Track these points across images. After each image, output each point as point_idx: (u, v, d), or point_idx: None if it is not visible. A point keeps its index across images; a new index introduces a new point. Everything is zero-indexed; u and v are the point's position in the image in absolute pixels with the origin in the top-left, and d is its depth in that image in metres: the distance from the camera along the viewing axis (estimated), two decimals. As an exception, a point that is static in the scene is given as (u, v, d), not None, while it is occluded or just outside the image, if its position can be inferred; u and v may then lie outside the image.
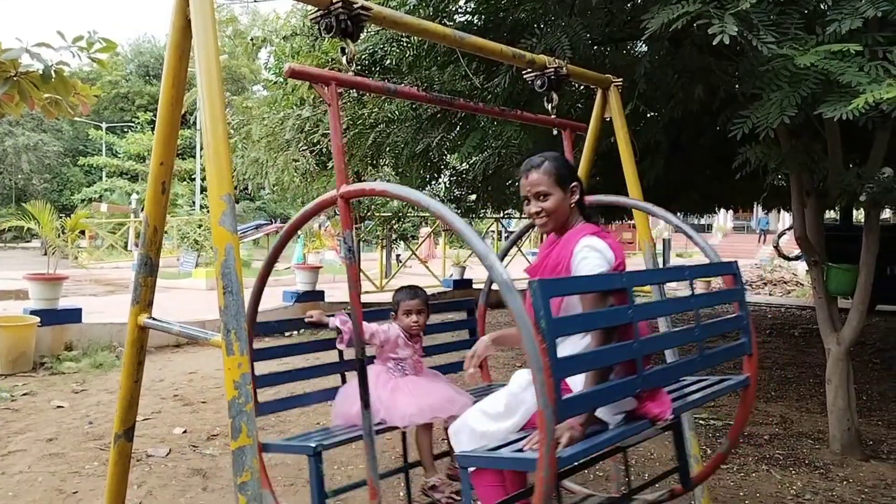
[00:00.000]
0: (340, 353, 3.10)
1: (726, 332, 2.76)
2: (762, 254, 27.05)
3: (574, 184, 2.45)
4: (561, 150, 3.16)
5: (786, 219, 28.09)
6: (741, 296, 2.68)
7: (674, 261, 21.71)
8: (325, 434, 2.87)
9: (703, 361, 2.44)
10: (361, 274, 10.76)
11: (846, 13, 2.92)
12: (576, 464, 2.27)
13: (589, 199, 2.84)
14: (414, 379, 3.03)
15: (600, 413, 2.24)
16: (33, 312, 7.23)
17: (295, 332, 6.93)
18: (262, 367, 2.79)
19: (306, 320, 2.98)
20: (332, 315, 2.93)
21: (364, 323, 2.79)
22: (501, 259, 3.43)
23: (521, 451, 2.10)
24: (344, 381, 3.17)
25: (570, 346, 2.26)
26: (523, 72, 3.17)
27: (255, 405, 2.57)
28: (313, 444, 2.60)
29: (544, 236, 2.67)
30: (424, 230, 17.24)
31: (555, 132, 3.33)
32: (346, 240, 2.22)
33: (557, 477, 1.82)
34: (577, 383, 2.24)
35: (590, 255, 2.29)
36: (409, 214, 14.04)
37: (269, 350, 3.01)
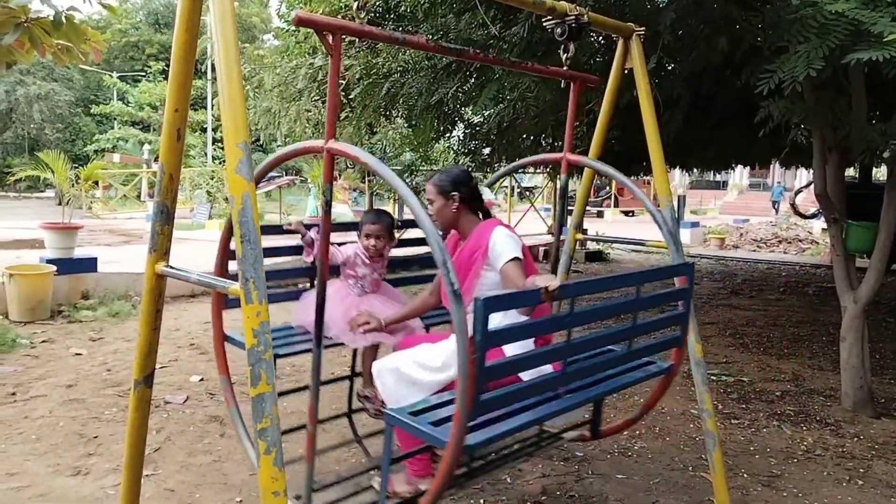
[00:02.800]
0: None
1: (663, 328, 2.87)
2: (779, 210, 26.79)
3: (454, 193, 2.79)
4: (583, 102, 3.12)
5: (802, 177, 27.73)
6: (688, 295, 2.80)
7: (688, 217, 21.56)
8: (286, 335, 3.07)
9: (630, 356, 2.65)
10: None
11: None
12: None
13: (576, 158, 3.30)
14: (370, 298, 3.16)
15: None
16: (49, 261, 7.30)
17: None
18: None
19: (284, 227, 3.09)
20: (310, 227, 3.01)
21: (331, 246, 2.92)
22: None
23: (438, 423, 2.22)
24: (312, 285, 3.22)
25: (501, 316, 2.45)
26: (543, 19, 3.08)
27: (224, 298, 2.84)
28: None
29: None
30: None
31: (562, 84, 3.28)
32: (324, 192, 2.36)
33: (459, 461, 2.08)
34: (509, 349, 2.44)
35: (506, 240, 2.66)
36: (421, 169, 13.96)
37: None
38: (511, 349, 2.43)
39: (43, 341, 6.09)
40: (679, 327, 2.83)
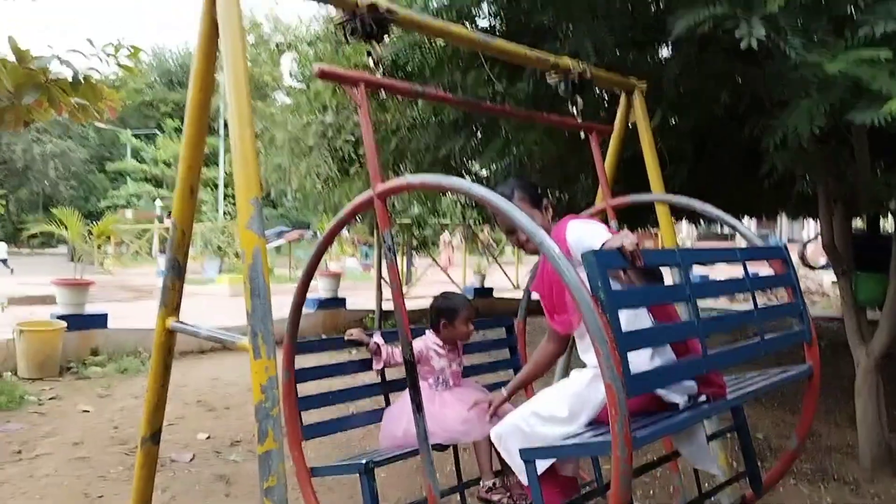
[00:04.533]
0: (382, 373, 3.02)
1: (783, 318, 2.72)
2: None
3: (545, 202, 2.60)
4: (588, 155, 3.15)
5: (811, 228, 27.69)
6: (793, 281, 2.61)
7: (697, 269, 21.44)
8: (375, 454, 2.81)
9: (764, 345, 2.40)
10: (382, 282, 10.77)
11: (879, 16, 2.87)
12: (645, 463, 2.21)
13: (620, 199, 3.08)
14: (459, 391, 2.95)
15: (671, 395, 2.22)
16: (60, 317, 7.32)
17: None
18: (304, 390, 2.77)
19: (346, 338, 2.94)
20: (371, 333, 2.90)
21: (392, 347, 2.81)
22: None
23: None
24: (388, 402, 3.07)
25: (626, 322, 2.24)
26: (547, 76, 3.16)
27: (300, 428, 2.59)
28: (364, 461, 2.51)
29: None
30: (443, 238, 17.24)
31: (582, 136, 3.32)
32: (385, 239, 2.15)
33: (632, 461, 1.69)
34: (640, 365, 2.12)
35: (582, 233, 2.33)
36: (429, 221, 14.06)
37: (313, 370, 2.90)
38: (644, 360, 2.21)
39: (51, 398, 6.06)
40: (797, 321, 2.61)
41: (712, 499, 2.85)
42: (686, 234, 28.13)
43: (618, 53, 4.70)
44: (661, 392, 2.21)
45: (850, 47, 2.93)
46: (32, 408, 5.73)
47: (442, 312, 2.97)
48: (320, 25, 7.85)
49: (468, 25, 4.98)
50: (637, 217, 9.56)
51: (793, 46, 2.91)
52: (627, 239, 1.90)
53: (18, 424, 5.24)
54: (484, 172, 8.27)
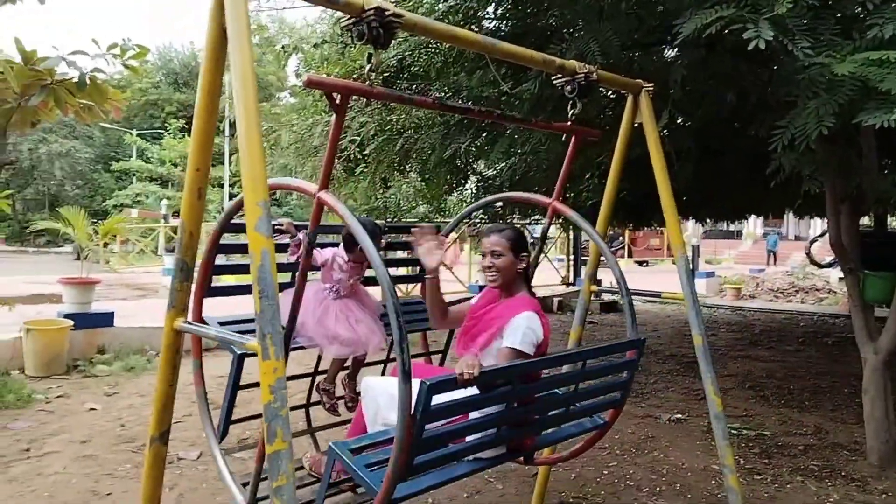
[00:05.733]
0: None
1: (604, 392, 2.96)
2: (793, 261, 26.62)
3: (524, 254, 2.84)
4: (594, 154, 3.17)
5: (817, 226, 27.61)
6: (633, 367, 2.89)
7: (702, 267, 21.43)
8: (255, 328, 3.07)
9: (567, 417, 2.78)
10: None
11: (888, 18, 2.86)
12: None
13: (563, 208, 3.29)
14: (346, 302, 3.24)
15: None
16: (67, 316, 7.36)
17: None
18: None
19: (275, 226, 3.08)
20: (300, 229, 3.04)
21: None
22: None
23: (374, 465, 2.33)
24: (292, 282, 3.22)
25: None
26: (553, 77, 3.16)
27: (207, 287, 2.83)
28: (238, 352, 2.84)
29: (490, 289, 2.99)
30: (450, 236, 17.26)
31: (563, 138, 3.35)
32: (309, 236, 2.52)
33: None
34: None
35: (524, 330, 2.63)
36: (434, 220, 14.06)
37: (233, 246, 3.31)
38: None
39: (58, 396, 6.10)
40: (620, 392, 2.92)
41: None
42: (692, 232, 28.06)
43: (624, 55, 4.70)
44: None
45: (859, 49, 2.93)
46: (40, 406, 5.76)
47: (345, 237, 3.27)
48: (327, 26, 7.86)
49: (474, 28, 4.99)
50: (643, 216, 9.58)
51: (800, 47, 2.91)
52: (466, 365, 2.16)
53: (26, 423, 5.27)
54: (490, 172, 8.29)
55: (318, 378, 3.59)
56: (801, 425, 5.59)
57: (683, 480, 4.35)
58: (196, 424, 5.37)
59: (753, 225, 39.33)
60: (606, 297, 13.84)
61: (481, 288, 12.09)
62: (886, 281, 4.88)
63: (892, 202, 4.27)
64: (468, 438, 2.47)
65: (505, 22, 5.21)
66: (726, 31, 2.98)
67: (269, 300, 1.80)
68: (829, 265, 12.13)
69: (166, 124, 38.39)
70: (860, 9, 3.24)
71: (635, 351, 2.87)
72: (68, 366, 7.03)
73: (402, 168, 8.16)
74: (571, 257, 15.72)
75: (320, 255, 3.21)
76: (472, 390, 2.31)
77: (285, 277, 3.31)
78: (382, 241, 3.35)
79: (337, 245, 3.31)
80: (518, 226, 3.04)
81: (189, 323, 2.37)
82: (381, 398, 2.71)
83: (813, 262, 11.32)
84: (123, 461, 4.52)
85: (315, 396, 3.60)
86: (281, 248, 3.12)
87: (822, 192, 5.14)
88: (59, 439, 4.93)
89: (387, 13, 2.26)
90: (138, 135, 38.05)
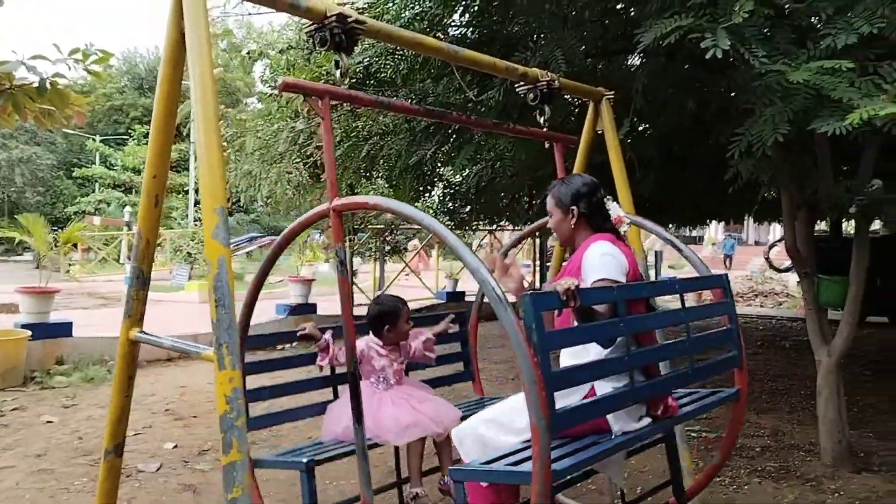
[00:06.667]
0: (332, 367, 3.07)
1: (717, 346, 2.79)
2: (753, 265, 27.13)
3: (573, 207, 2.61)
4: (553, 163, 3.19)
5: (776, 231, 28.22)
6: (731, 309, 2.72)
7: (665, 273, 21.74)
8: (317, 448, 2.86)
9: (694, 374, 2.48)
10: (355, 287, 10.74)
11: (840, 28, 2.94)
12: (569, 477, 2.27)
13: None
14: (399, 389, 3.01)
15: (614, 423, 2.31)
16: (24, 326, 7.17)
17: (287, 345, 6.89)
18: (254, 381, 2.78)
19: (298, 333, 2.95)
20: (323, 329, 2.93)
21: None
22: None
23: (515, 463, 2.10)
24: (336, 395, 3.14)
25: (572, 353, 2.36)
26: (516, 85, 3.19)
27: (247, 419, 2.58)
28: (305, 459, 2.59)
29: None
30: (413, 243, 17.28)
31: (546, 145, 3.37)
32: (337, 253, 2.28)
33: (552, 491, 1.84)
34: (603, 386, 2.29)
35: (598, 258, 2.42)
36: (401, 226, 14.07)
37: (261, 363, 3.00)
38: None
39: (13, 409, 5.93)
40: (731, 346, 2.72)
41: None
42: (654, 239, 28.44)
43: (588, 63, 4.76)
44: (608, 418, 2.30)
45: (813, 58, 3.01)
46: (-6, 419, 5.60)
47: (384, 317, 3.07)
48: (293, 32, 7.82)
49: (440, 35, 5.01)
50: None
51: (756, 56, 2.98)
52: (563, 284, 1.99)
53: (-20, 437, 5.12)
54: (457, 178, 8.32)
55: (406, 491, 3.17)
56: (759, 427, 5.69)
57: (644, 483, 4.39)
58: (157, 436, 5.27)
59: (714, 230, 40.03)
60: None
61: (448, 294, 12.24)
62: (840, 285, 5.00)
63: (846, 208, 4.37)
64: (599, 392, 2.25)
65: (471, 29, 5.24)
66: (687, 40, 3.03)
67: (226, 309, 1.78)
68: (788, 269, 12.41)
69: (130, 130, 37.72)
70: (815, 19, 3.34)
71: (721, 290, 2.70)
72: (25, 377, 6.85)
73: (368, 174, 8.13)
74: (537, 263, 15.84)
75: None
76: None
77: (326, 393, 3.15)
78: (410, 320, 3.12)
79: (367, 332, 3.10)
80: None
81: (144, 333, 2.32)
82: (479, 426, 2.46)
83: (772, 267, 11.59)
84: (80, 475, 4.41)
85: None
86: (310, 360, 2.99)
87: (778, 198, 5.27)
88: (14, 453, 4.79)
89: (349, 20, 2.26)
90: (102, 140, 37.32)
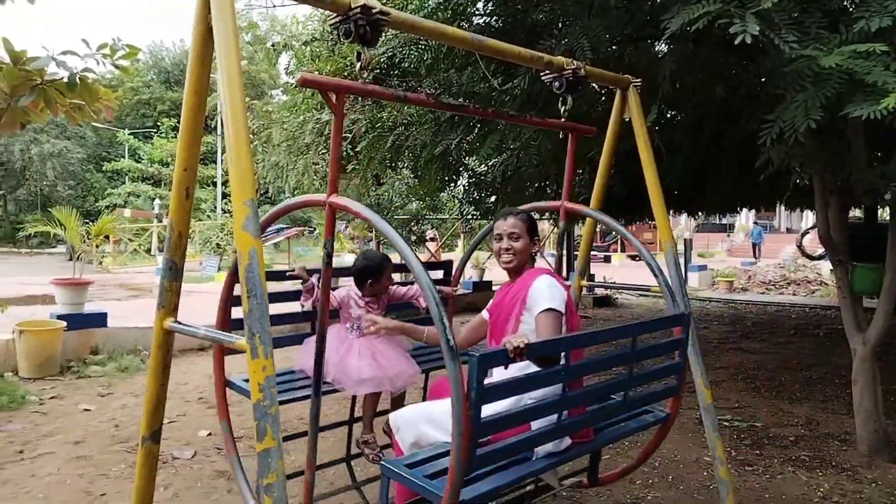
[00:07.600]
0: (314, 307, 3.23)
1: (661, 377, 2.93)
2: (785, 253, 26.71)
3: (536, 237, 2.88)
4: (585, 150, 3.18)
5: (809, 218, 27.70)
6: (684, 346, 2.84)
7: (695, 260, 21.49)
8: (288, 380, 3.14)
9: (628, 405, 2.69)
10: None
11: (874, 11, 2.87)
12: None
13: (575, 206, 3.43)
14: (369, 340, 3.16)
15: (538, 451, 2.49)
16: (60, 317, 7.34)
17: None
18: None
19: (288, 273, 3.15)
20: (312, 272, 3.06)
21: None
22: (464, 262, 3.89)
23: (433, 476, 2.23)
24: (313, 330, 3.22)
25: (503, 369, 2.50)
26: (541, 73, 3.17)
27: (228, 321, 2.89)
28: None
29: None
30: (428, 233, 17.36)
31: (561, 135, 3.36)
32: (325, 245, 2.43)
33: None
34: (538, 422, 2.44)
35: (546, 289, 2.63)
36: (427, 217, 14.09)
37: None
38: (511, 402, 2.42)
39: (52, 397, 6.09)
40: (675, 377, 2.87)
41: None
42: (685, 225, 28.14)
43: (614, 50, 4.71)
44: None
45: (845, 42, 2.94)
46: (33, 407, 5.75)
47: (368, 271, 3.22)
48: (317, 24, 7.85)
49: (464, 24, 4.99)
50: (635, 210, 9.60)
51: (787, 41, 2.92)
52: (514, 342, 2.06)
53: (20, 424, 5.26)
54: (482, 167, 8.30)
55: (356, 430, 3.47)
56: (793, 416, 5.63)
57: (675, 472, 4.38)
58: (191, 423, 5.37)
59: (745, 218, 39.44)
60: (599, 291, 13.90)
61: (475, 284, 12.23)
62: (875, 272, 4.90)
63: (881, 194, 4.28)
64: (532, 427, 2.40)
65: (495, 18, 5.21)
66: (715, 25, 2.99)
67: (258, 299, 1.81)
68: (821, 257, 12.18)
69: (158, 123, 38.24)
70: (847, 2, 3.26)
71: (681, 328, 2.79)
72: (62, 367, 7.02)
73: (394, 165, 8.15)
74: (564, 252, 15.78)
75: (334, 297, 3.16)
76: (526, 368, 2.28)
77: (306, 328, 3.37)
78: (392, 278, 3.31)
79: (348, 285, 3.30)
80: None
81: (178, 323, 2.37)
82: (419, 421, 2.62)
83: (804, 255, 11.37)
84: (118, 461, 4.52)
85: (356, 449, 3.48)
86: (298, 296, 3.16)
87: (811, 185, 5.17)
88: (54, 440, 4.92)
89: (373, 11, 2.26)
90: (130, 134, 37.88)
